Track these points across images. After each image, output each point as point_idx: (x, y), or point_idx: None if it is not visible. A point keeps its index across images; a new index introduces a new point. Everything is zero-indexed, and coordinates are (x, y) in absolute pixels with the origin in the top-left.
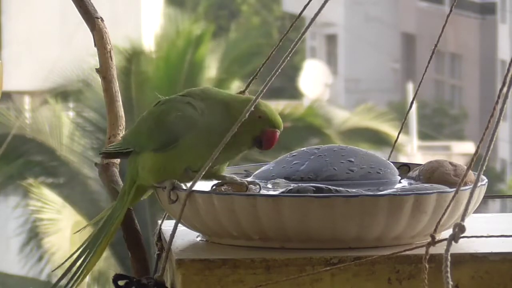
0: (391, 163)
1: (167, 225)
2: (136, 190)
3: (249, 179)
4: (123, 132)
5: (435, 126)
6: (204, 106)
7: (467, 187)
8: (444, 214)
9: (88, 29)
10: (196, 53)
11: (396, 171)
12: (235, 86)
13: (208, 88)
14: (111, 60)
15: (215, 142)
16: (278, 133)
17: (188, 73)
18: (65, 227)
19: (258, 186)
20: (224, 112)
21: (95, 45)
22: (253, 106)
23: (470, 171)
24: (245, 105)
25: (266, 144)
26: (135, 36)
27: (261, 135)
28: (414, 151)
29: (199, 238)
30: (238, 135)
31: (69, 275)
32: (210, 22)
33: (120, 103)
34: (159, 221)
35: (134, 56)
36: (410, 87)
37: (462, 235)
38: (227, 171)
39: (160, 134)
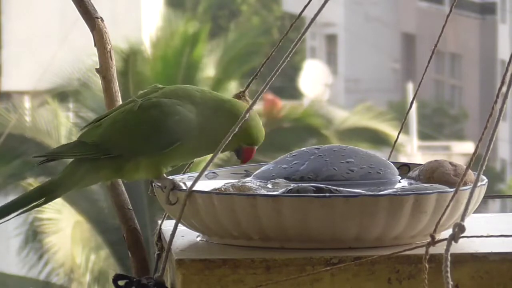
0: (391, 163)
1: (167, 225)
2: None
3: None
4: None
5: (435, 126)
6: (194, 109)
7: (467, 187)
8: (444, 214)
9: (88, 29)
10: (193, 53)
11: (396, 171)
12: (233, 86)
13: (184, 89)
14: (111, 60)
15: (206, 142)
16: (255, 149)
17: (185, 73)
18: (65, 227)
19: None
20: (214, 114)
21: (95, 45)
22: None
23: (470, 171)
24: (233, 109)
25: (244, 159)
26: (135, 36)
27: (240, 149)
28: (414, 151)
29: (199, 238)
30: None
31: None
32: (206, 21)
33: (120, 103)
34: (159, 221)
35: (131, 56)
36: (410, 87)
37: (462, 235)
38: (226, 170)
39: (160, 138)
